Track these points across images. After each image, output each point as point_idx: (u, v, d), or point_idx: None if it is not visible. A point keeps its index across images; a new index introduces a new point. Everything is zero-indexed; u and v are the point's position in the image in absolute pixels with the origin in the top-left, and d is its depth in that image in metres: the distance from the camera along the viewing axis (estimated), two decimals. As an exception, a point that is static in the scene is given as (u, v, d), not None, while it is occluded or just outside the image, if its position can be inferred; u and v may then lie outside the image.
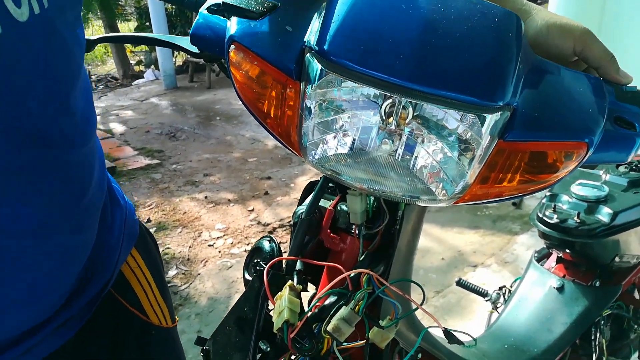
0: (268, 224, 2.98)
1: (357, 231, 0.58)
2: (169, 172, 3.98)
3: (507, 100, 0.38)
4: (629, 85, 0.49)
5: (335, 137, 0.43)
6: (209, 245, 2.78)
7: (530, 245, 2.58)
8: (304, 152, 0.45)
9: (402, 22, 0.37)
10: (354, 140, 0.42)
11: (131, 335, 0.69)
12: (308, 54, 0.40)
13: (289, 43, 0.42)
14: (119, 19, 8.74)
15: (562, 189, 1.20)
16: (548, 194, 1.21)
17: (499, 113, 0.39)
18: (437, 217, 2.90)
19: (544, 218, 1.14)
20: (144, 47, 8.69)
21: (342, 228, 0.61)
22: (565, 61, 0.49)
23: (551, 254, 1.30)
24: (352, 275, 0.53)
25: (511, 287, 1.33)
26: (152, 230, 2.89)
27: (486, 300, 1.36)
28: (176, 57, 8.11)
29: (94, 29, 10.27)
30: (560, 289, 1.18)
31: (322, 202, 0.61)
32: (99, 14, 8.03)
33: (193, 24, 0.51)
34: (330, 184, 0.62)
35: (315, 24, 0.41)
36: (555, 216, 1.13)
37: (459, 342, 0.59)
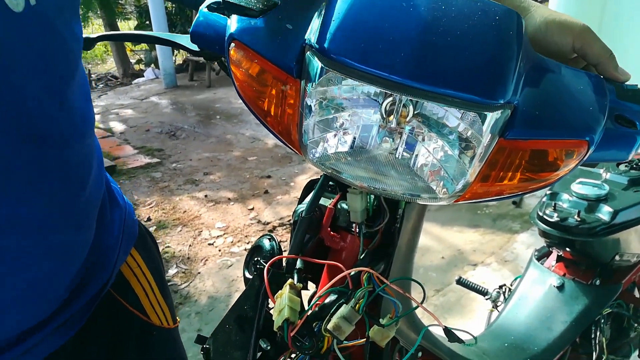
0: (268, 223, 2.98)
1: (357, 229, 0.58)
2: (169, 170, 3.98)
3: (507, 98, 0.38)
4: (630, 83, 0.49)
5: (335, 135, 0.43)
6: (209, 244, 2.78)
7: (530, 243, 2.58)
8: (304, 150, 0.45)
9: (402, 20, 0.37)
10: (355, 138, 0.42)
11: (132, 336, 0.69)
12: (308, 52, 0.40)
13: (290, 41, 0.42)
14: (118, 17, 8.75)
15: (562, 188, 1.19)
16: (548, 192, 1.21)
17: (500, 111, 0.38)
18: (437, 216, 2.90)
19: (544, 216, 1.14)
20: (144, 46, 8.69)
21: (342, 226, 0.61)
22: (564, 58, 0.49)
23: (551, 252, 1.30)
24: (352, 273, 0.53)
25: (511, 285, 1.33)
26: (152, 229, 2.89)
27: (486, 299, 1.36)
28: (176, 55, 8.12)
29: (94, 28, 10.27)
30: (561, 288, 1.18)
31: (323, 201, 0.61)
32: (99, 12, 8.04)
33: (193, 22, 0.51)
34: (330, 183, 0.62)
35: (316, 22, 0.41)
36: (555, 215, 1.13)
37: (459, 341, 0.59)
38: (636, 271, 1.25)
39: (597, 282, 1.17)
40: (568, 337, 1.09)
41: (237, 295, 0.87)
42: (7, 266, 0.47)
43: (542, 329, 1.10)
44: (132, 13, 9.46)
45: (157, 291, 0.72)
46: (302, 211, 0.59)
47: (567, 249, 1.21)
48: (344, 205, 0.60)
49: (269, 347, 0.57)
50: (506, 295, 1.31)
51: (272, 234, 0.66)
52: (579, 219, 1.10)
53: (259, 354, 0.58)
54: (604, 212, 1.10)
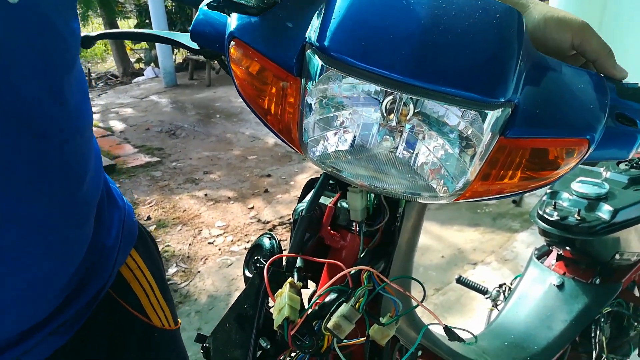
0: (268, 222, 2.98)
1: (357, 228, 0.58)
2: (168, 169, 3.98)
3: (508, 96, 0.38)
4: (631, 82, 0.49)
5: (335, 133, 0.43)
6: (209, 243, 2.78)
7: (530, 242, 2.59)
8: (304, 148, 0.45)
9: (403, 18, 0.37)
10: (355, 136, 0.42)
11: (133, 337, 0.69)
12: (309, 50, 0.40)
13: (290, 39, 0.42)
14: (118, 16, 8.74)
15: (562, 187, 1.19)
16: (548, 191, 1.21)
17: (500, 110, 0.38)
18: (437, 215, 2.90)
19: (544, 215, 1.14)
20: (143, 45, 8.68)
21: (342, 225, 0.61)
22: (563, 55, 0.49)
23: (551, 251, 1.30)
24: (352, 272, 0.53)
25: (511, 284, 1.33)
26: (152, 228, 2.89)
27: (486, 298, 1.36)
28: (176, 54, 8.11)
29: (94, 27, 10.25)
30: (561, 287, 1.18)
31: (323, 199, 0.61)
32: (98, 11, 8.03)
33: (193, 21, 0.51)
34: (330, 181, 0.62)
35: (316, 20, 0.41)
36: (555, 213, 1.13)
37: (459, 339, 0.59)
38: (636, 270, 1.25)
39: (597, 281, 1.17)
40: (568, 335, 1.09)
41: (237, 294, 0.86)
42: (7, 266, 0.47)
43: (542, 328, 1.10)
44: (131, 12, 9.45)
45: (157, 292, 0.72)
46: (302, 210, 0.59)
47: (567, 248, 1.21)
48: (344, 204, 0.60)
49: (269, 346, 0.57)
50: (506, 294, 1.31)
51: (272, 233, 0.65)
52: (579, 218, 1.10)
53: (259, 353, 0.58)
54: (604, 211, 1.10)
